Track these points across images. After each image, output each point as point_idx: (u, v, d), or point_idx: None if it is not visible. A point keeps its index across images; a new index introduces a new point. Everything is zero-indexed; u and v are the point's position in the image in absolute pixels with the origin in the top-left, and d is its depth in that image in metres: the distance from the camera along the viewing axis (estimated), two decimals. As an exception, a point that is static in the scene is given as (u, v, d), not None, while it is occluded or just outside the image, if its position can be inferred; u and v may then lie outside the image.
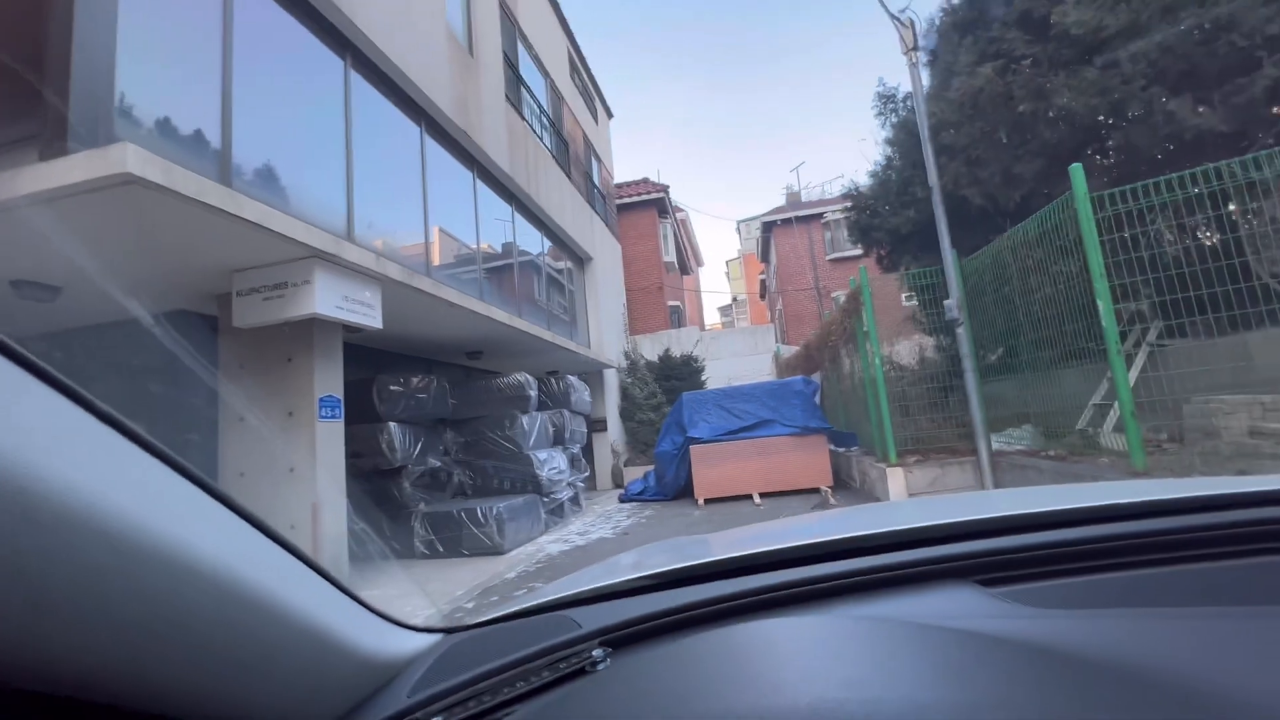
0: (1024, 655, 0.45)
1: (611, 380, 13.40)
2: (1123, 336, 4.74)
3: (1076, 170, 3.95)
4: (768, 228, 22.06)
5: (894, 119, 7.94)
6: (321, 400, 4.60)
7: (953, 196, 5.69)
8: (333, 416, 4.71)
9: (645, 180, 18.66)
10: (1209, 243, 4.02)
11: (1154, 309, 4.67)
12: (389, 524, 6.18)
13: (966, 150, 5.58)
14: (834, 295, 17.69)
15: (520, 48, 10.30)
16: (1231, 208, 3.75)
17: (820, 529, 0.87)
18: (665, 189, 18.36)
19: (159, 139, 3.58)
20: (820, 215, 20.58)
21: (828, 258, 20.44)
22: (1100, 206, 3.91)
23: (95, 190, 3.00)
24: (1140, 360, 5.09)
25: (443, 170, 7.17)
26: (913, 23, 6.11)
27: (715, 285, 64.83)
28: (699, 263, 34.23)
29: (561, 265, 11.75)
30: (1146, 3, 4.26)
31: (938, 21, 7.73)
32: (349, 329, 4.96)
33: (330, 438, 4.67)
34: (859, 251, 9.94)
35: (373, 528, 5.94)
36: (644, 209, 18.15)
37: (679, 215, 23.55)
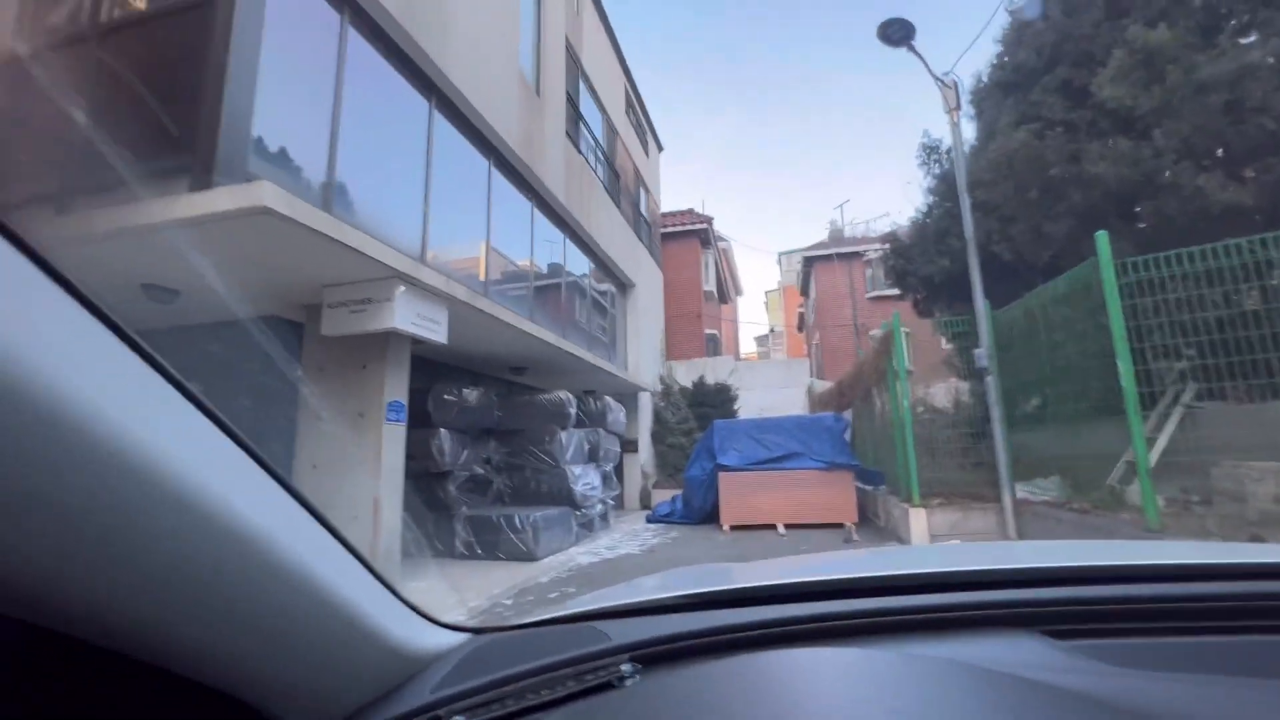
0: (1100, 714, 0.42)
1: (645, 403, 13.78)
2: (1158, 397, 4.89)
3: (1102, 237, 4.20)
4: (809, 262, 22.29)
5: (936, 170, 8.22)
6: (389, 405, 5.12)
7: (985, 250, 5.94)
8: (397, 420, 5.22)
9: (690, 211, 19.21)
10: (1241, 311, 4.18)
11: (1190, 371, 4.80)
12: (434, 523, 6.65)
13: (1000, 208, 5.85)
14: (871, 333, 17.75)
15: (582, 86, 11.01)
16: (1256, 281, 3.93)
17: (865, 565, 0.83)
18: (709, 221, 18.87)
19: (280, 173, 4.20)
20: (862, 253, 20.72)
21: (867, 295, 20.49)
22: (1124, 271, 4.13)
23: (233, 218, 3.59)
24: (1174, 420, 5.20)
25: (505, 200, 7.79)
26: (955, 84, 6.43)
27: (753, 314, 64.85)
28: (738, 291, 34.52)
29: (605, 289, 12.28)
30: (1178, 85, 4.51)
31: (984, 78, 8.04)
32: (416, 341, 5.50)
33: (394, 439, 5.18)
34: (898, 291, 10.16)
35: (420, 526, 6.41)
36: (687, 239, 18.67)
37: (720, 245, 24.01)
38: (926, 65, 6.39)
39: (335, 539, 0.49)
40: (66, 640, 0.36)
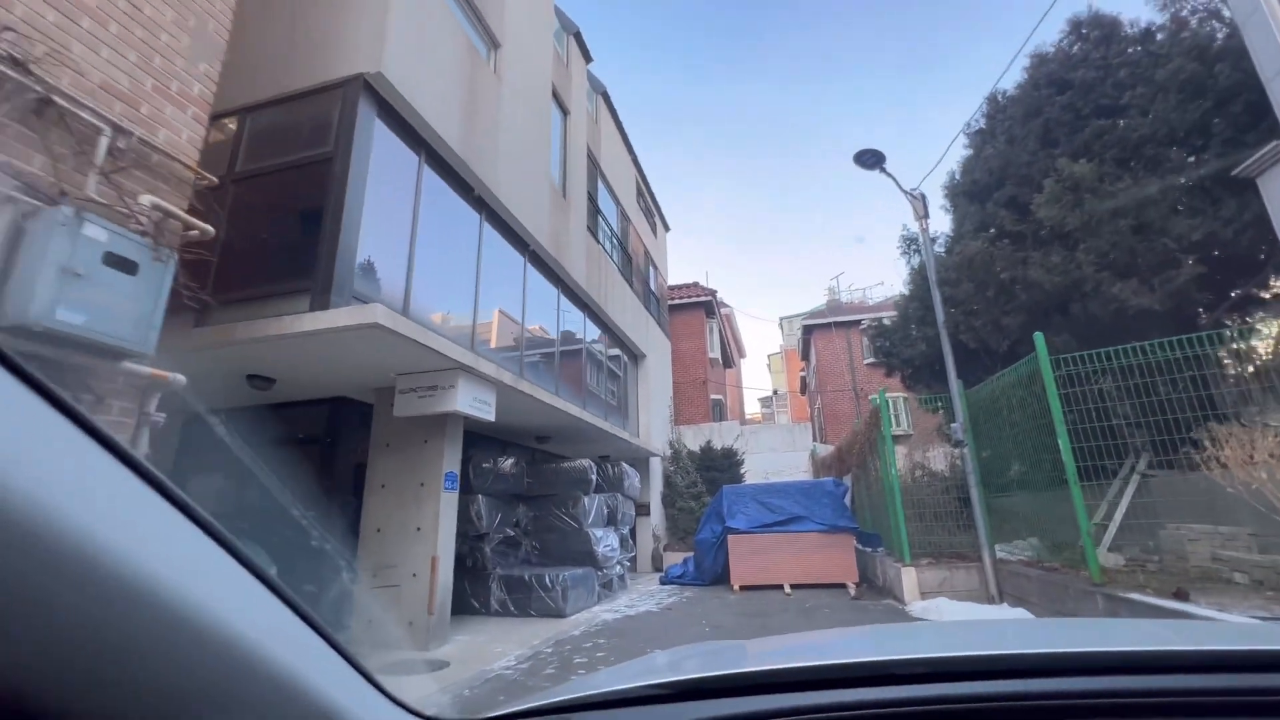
0: None
1: (656, 467, 14.50)
2: (1117, 469, 5.69)
3: (1039, 337, 5.16)
4: (808, 330, 23.42)
5: (914, 261, 9.35)
6: (446, 475, 5.97)
7: (954, 337, 6.91)
8: (452, 489, 6.06)
9: (695, 284, 20.54)
10: (1177, 396, 5.06)
11: (1141, 444, 5.61)
12: (471, 582, 7.33)
13: (964, 303, 6.87)
14: (871, 398, 18.59)
15: (600, 185, 12.44)
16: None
17: (860, 647, 0.81)
18: (713, 293, 20.15)
19: (375, 289, 5.26)
20: (858, 322, 21.85)
21: (865, 362, 21.45)
22: (1058, 365, 5.07)
23: (347, 331, 4.59)
24: (1131, 487, 5.99)
25: (537, 290, 8.90)
26: (923, 196, 7.61)
27: (756, 374, 65.91)
28: (741, 355, 35.66)
29: (619, 361, 13.29)
30: (1096, 209, 5.60)
31: (957, 176, 9.28)
32: (467, 419, 6.41)
33: (449, 506, 6.00)
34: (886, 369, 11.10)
35: (459, 583, 7.10)
36: (693, 310, 19.89)
37: (723, 311, 25.31)
38: (897, 183, 7.60)
39: (312, 629, 0.49)
40: None
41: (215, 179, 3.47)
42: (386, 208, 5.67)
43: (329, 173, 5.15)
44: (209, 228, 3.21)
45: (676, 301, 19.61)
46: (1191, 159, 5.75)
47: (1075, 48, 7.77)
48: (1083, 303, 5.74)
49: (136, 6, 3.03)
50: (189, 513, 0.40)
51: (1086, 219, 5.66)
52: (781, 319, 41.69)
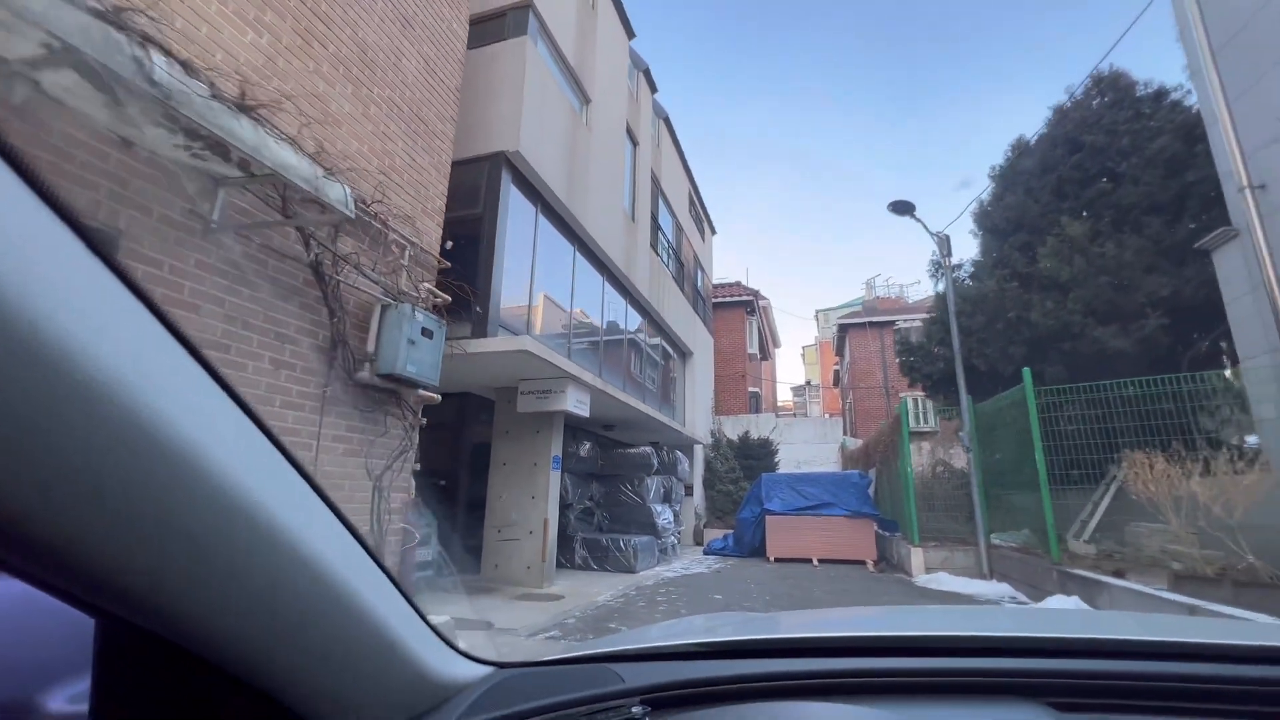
0: None
1: (699, 454, 16.18)
2: (1088, 477, 7.08)
3: (1026, 372, 6.58)
4: (843, 329, 24.58)
5: (940, 284, 10.67)
6: (554, 458, 7.75)
7: (967, 361, 8.30)
8: (556, 468, 7.84)
9: (738, 284, 21.94)
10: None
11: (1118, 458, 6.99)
12: (559, 543, 9.17)
13: (977, 332, 8.24)
14: (902, 396, 19.80)
15: (660, 202, 13.97)
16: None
17: (884, 624, 0.87)
18: (755, 293, 21.52)
19: (511, 317, 6.99)
20: (892, 322, 22.92)
21: (897, 360, 22.58)
22: (1040, 395, 6.49)
23: (500, 352, 6.32)
24: (1110, 492, 7.39)
25: (612, 303, 10.58)
26: (947, 238, 8.95)
27: (790, 361, 66.72)
28: (776, 345, 36.91)
29: (670, 358, 14.93)
30: (1085, 266, 6.91)
31: (987, 206, 10.50)
32: (566, 414, 8.15)
33: (554, 481, 7.78)
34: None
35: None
36: (735, 308, 21.33)
37: (760, 303, 26.63)
38: (925, 227, 8.96)
39: (382, 572, 0.54)
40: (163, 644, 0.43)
41: (447, 263, 5.20)
42: (516, 251, 7.38)
43: (480, 227, 6.87)
44: (448, 297, 4.95)
45: (719, 300, 21.07)
46: (1169, 226, 7.00)
47: (1095, 102, 8.92)
48: (1072, 342, 7.07)
49: (416, 161, 4.75)
50: (287, 455, 0.45)
51: (1077, 273, 6.99)
52: (818, 311, 42.61)
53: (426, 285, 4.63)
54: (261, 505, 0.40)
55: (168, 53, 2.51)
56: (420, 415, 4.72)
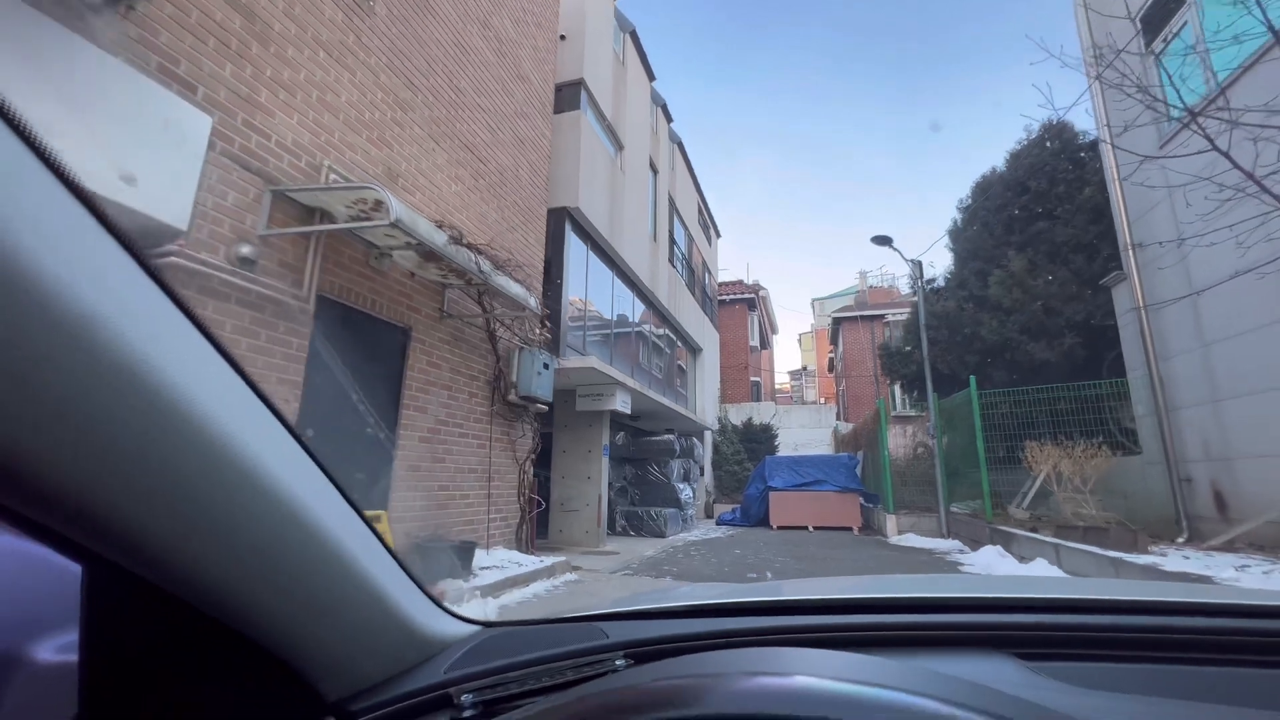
0: None
1: (708, 438, 18.27)
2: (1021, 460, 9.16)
3: (972, 379, 8.61)
4: (837, 322, 26.58)
5: (915, 294, 12.65)
6: (604, 446, 9.78)
7: (934, 366, 10.32)
8: (606, 455, 9.88)
9: (740, 282, 23.87)
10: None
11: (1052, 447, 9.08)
12: (603, 514, 11.26)
13: (941, 343, 10.25)
14: (887, 390, 21.89)
15: (675, 220, 15.84)
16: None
17: (860, 587, 0.91)
18: (756, 291, 23.44)
19: (569, 341, 8.96)
20: (882, 315, 24.93)
21: (891, 341, 24.64)
22: (982, 398, 8.53)
23: (572, 368, 8.28)
24: (1045, 470, 9.47)
25: (640, 313, 12.53)
26: (919, 263, 10.91)
27: (786, 346, 68.87)
28: (774, 331, 38.96)
29: (684, 355, 16.93)
30: (1022, 295, 8.89)
31: (959, 224, 12.43)
32: (614, 412, 10.16)
33: (604, 465, 9.83)
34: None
35: (599, 514, 11.01)
36: (738, 305, 23.28)
37: (760, 294, 28.58)
38: (902, 255, 10.92)
39: (373, 534, 0.57)
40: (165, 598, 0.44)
41: (549, 311, 7.16)
42: (574, 283, 9.31)
43: (549, 268, 8.80)
44: (548, 335, 6.93)
45: (724, 297, 23.00)
46: (1089, 262, 8.98)
47: (1047, 144, 10.82)
48: (1011, 353, 9.07)
49: (528, 240, 6.68)
50: (275, 412, 0.47)
51: (1016, 300, 8.97)
52: (814, 299, 44.56)
53: (542, 332, 6.61)
54: (257, 460, 0.42)
55: (440, 224, 4.46)
56: (537, 420, 6.72)
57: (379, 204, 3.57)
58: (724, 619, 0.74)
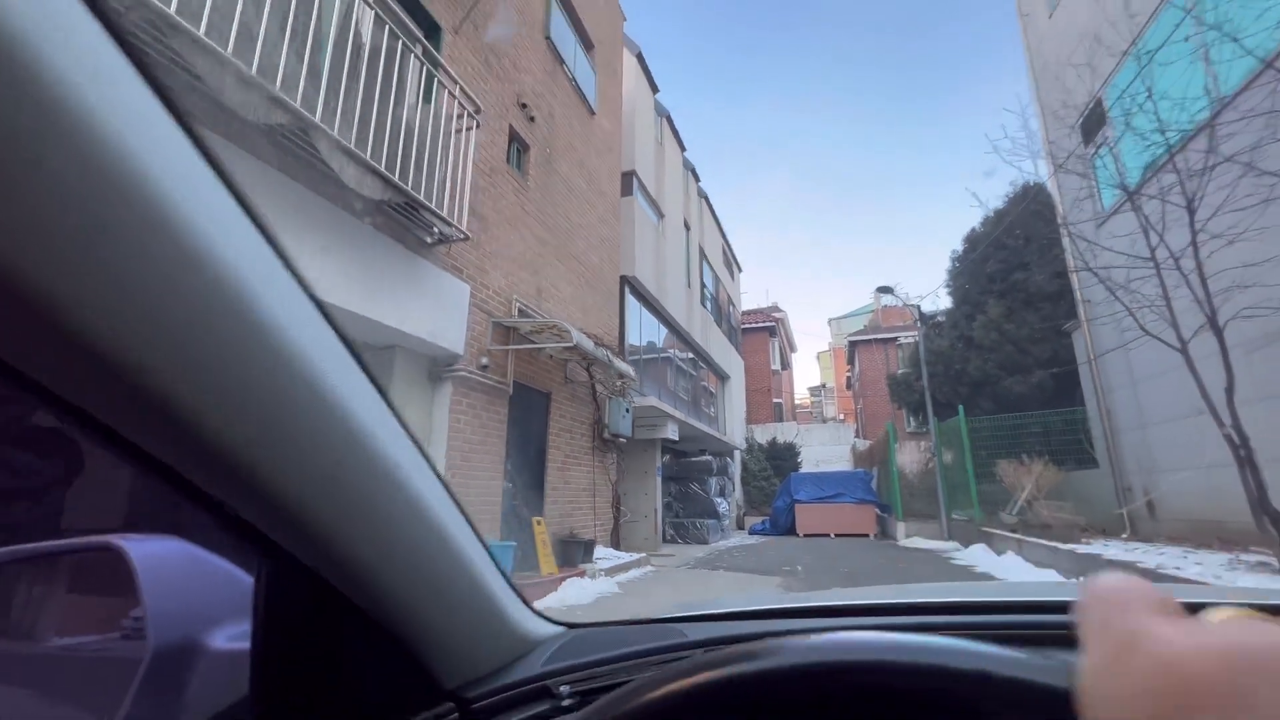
0: None
1: (737, 457, 20.25)
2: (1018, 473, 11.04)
3: (961, 409, 10.58)
4: (853, 345, 28.45)
5: (921, 330, 14.66)
6: (658, 467, 11.89)
7: (934, 395, 12.26)
8: (660, 474, 11.97)
9: (761, 311, 25.95)
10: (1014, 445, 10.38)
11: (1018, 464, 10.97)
12: (655, 524, 13.33)
13: (937, 376, 12.20)
14: (899, 409, 23.66)
15: (704, 266, 18.04)
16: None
17: (916, 593, 0.97)
18: (777, 320, 25.50)
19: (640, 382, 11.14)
20: (895, 339, 26.76)
21: (900, 372, 26.43)
22: (969, 424, 10.49)
23: (641, 407, 10.42)
24: (1031, 483, 11.37)
25: (679, 350, 14.69)
26: (919, 308, 12.93)
27: (804, 363, 70.46)
28: (793, 350, 40.82)
29: (714, 383, 19.01)
30: (999, 337, 10.84)
31: (957, 263, 14.39)
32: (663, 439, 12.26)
33: (659, 484, 11.92)
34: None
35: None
36: (760, 332, 25.33)
37: (776, 316, 30.58)
38: (902, 302, 12.96)
39: (482, 545, 0.63)
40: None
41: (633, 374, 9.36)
42: (631, 336, 11.50)
43: (614, 328, 10.98)
44: (625, 386, 9.10)
45: (747, 325, 25.09)
46: (1055, 308, 10.93)
47: (1022, 206, 12.80)
48: (992, 386, 10.99)
49: (607, 308, 8.87)
50: (413, 439, 0.52)
51: (994, 342, 10.94)
52: (830, 319, 46.40)
53: (621, 383, 8.79)
54: (409, 482, 0.49)
55: (585, 333, 6.66)
56: (620, 451, 8.87)
57: (565, 332, 5.83)
58: (792, 620, 0.81)
